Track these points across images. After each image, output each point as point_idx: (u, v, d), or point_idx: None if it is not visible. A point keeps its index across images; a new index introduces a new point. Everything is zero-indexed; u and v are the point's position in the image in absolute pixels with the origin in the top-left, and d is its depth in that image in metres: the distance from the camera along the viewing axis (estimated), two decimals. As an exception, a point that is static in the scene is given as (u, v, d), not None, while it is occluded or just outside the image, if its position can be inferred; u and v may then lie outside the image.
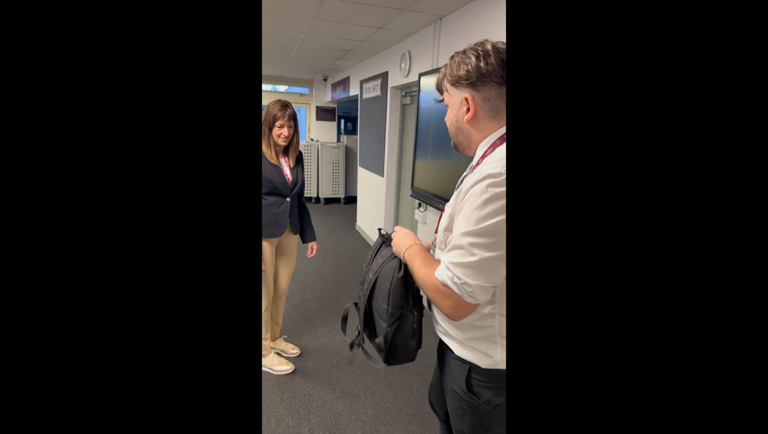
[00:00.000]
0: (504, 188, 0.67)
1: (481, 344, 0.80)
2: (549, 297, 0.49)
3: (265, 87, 6.50)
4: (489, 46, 0.76)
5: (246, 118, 0.53)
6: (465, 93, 0.78)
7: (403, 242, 0.87)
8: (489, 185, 0.68)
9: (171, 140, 0.49)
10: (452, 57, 0.81)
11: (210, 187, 0.51)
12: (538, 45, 0.49)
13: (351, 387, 1.95)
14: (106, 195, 0.47)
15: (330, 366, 2.12)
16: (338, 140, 6.85)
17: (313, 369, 2.09)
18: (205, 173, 0.51)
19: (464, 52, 0.78)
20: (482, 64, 0.74)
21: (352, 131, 7.08)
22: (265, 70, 5.63)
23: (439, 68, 0.90)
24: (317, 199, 6.32)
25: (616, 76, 0.46)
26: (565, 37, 0.48)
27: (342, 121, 7.13)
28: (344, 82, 5.17)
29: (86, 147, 0.47)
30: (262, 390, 1.89)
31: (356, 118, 5.73)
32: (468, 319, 0.78)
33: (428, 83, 2.70)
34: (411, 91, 3.31)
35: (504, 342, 0.78)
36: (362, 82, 4.32)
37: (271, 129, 1.72)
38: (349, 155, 6.40)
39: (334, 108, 6.77)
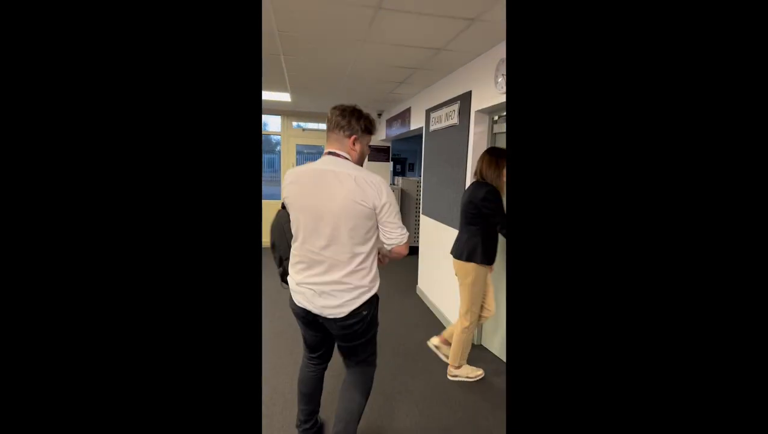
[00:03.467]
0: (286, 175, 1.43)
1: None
2: (545, 294, 0.55)
3: (322, 126, 5.94)
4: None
5: (248, 119, 0.57)
6: None
7: None
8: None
9: (175, 143, 0.51)
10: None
11: (213, 189, 0.53)
12: (537, 48, 0.56)
13: None
14: (113, 201, 0.49)
15: None
16: (392, 182, 6.05)
17: None
18: (209, 178, 0.53)
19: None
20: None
21: (400, 172, 6.31)
22: (320, 107, 5.06)
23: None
24: (367, 250, 5.46)
25: (607, 78, 0.51)
26: (563, 40, 0.53)
27: (392, 162, 6.36)
28: (403, 115, 4.39)
29: (104, 156, 0.49)
30: None
31: (405, 159, 5.07)
32: None
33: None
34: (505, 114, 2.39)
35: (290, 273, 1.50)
36: (429, 111, 3.49)
37: None
38: (406, 200, 5.55)
39: (388, 147, 6.03)
